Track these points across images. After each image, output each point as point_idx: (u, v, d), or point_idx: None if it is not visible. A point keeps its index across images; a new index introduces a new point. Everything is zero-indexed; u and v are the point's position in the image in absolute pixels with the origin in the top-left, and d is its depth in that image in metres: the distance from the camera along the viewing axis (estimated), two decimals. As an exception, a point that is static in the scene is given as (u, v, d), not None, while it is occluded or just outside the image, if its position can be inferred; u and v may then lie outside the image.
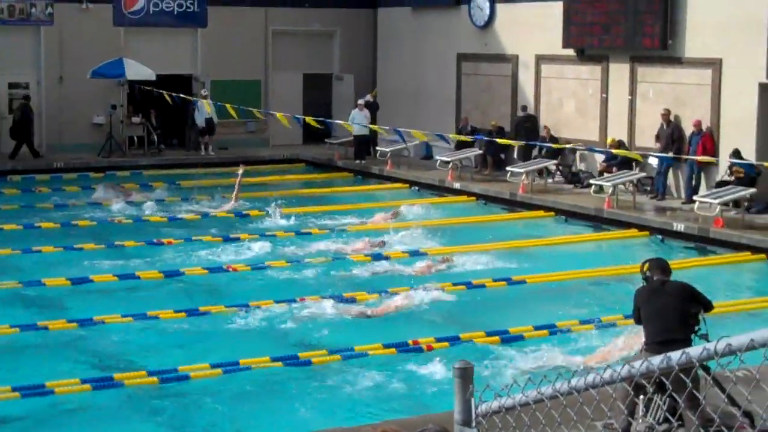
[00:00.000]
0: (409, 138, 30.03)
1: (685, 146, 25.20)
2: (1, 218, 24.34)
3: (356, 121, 31.65)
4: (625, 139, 27.18)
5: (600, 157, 27.13)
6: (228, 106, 29.43)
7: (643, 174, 25.84)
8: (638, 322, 10.32)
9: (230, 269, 19.72)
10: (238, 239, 22.38)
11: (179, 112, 33.21)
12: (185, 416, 12.66)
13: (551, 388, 4.59)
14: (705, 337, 9.71)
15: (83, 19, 34.05)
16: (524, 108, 30.34)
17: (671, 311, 9.92)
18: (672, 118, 25.64)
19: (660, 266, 10.40)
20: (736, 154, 23.61)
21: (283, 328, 16.21)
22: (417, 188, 29.87)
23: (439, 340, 15.10)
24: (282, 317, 16.60)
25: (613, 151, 25.90)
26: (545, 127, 29.15)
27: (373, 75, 37.41)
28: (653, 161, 25.71)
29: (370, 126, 31.55)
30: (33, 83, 33.90)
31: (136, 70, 33.20)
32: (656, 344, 9.70)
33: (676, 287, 10.28)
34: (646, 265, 10.50)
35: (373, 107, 33.91)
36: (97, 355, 14.89)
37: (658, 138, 25.84)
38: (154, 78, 33.16)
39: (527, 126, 29.87)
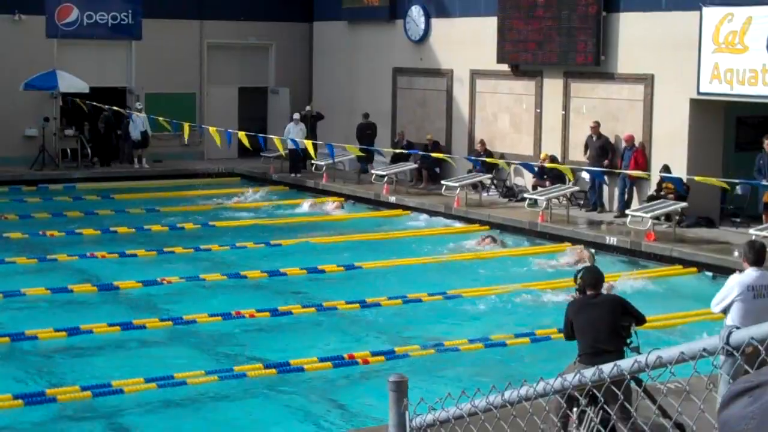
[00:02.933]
0: (344, 152, 30.04)
1: (617, 160, 25.49)
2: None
3: (291, 135, 31.59)
4: (558, 153, 27.42)
5: (529, 175, 27.34)
6: (161, 119, 29.23)
7: (577, 188, 26.09)
8: (569, 334, 10.40)
9: (164, 282, 19.60)
10: (172, 253, 22.26)
11: (112, 125, 32.96)
12: (119, 430, 12.55)
13: (485, 401, 4.63)
14: (636, 350, 9.83)
15: (15, 30, 33.69)
16: (366, 116, 32.14)
17: (603, 324, 10.03)
18: (602, 131, 25.93)
19: (593, 278, 10.51)
20: (666, 169, 23.93)
21: (219, 341, 16.17)
22: (353, 202, 29.88)
23: (374, 354, 15.12)
24: (217, 330, 16.56)
25: (547, 164, 26.12)
26: (480, 141, 29.32)
27: (309, 88, 37.41)
28: (585, 175, 26.00)
29: (304, 141, 31.52)
30: (-36, 95, 33.47)
31: (70, 83, 32.88)
32: (588, 356, 9.81)
33: (608, 300, 10.42)
34: (580, 275, 10.60)
35: (317, 118, 33.93)
36: (29, 370, 14.72)
37: (587, 148, 26.14)
38: (87, 90, 32.87)
39: (369, 133, 31.97)
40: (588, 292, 10.39)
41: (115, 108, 31.01)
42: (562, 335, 15.49)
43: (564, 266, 21.05)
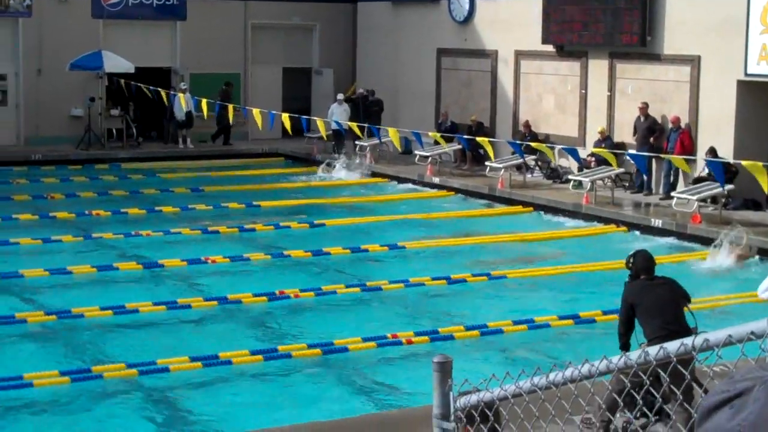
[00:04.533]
0: (386, 134, 30.05)
1: (663, 141, 25.29)
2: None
3: (335, 116, 31.62)
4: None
5: (584, 151, 27.09)
6: (203, 101, 29.33)
7: (622, 170, 25.91)
8: (627, 319, 10.23)
9: (209, 261, 19.71)
10: (216, 232, 22.39)
11: (158, 105, 33.13)
12: (165, 409, 12.65)
13: (529, 382, 4.62)
14: (695, 331, 9.75)
15: (62, 11, 33.90)
16: (372, 92, 33.30)
17: (670, 305, 9.97)
18: (649, 112, 25.74)
19: (647, 261, 10.43)
20: (712, 152, 23.70)
21: (263, 321, 16.26)
22: (396, 183, 29.88)
23: (418, 334, 15.14)
24: (262, 310, 16.65)
25: (593, 149, 25.96)
26: (525, 122, 29.22)
27: (352, 69, 37.40)
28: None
29: (348, 123, 31.53)
30: (11, 75, 33.75)
31: (115, 63, 33.07)
32: (661, 338, 9.69)
33: (667, 281, 10.35)
34: (632, 258, 10.51)
35: (368, 98, 33.83)
36: (75, 347, 14.87)
37: (635, 130, 25.98)
38: (132, 71, 33.05)
39: (375, 110, 32.71)
40: (641, 277, 10.31)
41: (159, 89, 31.04)
42: (606, 317, 15.57)
43: (723, 269, 19.86)
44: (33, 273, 18.41)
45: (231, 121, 31.79)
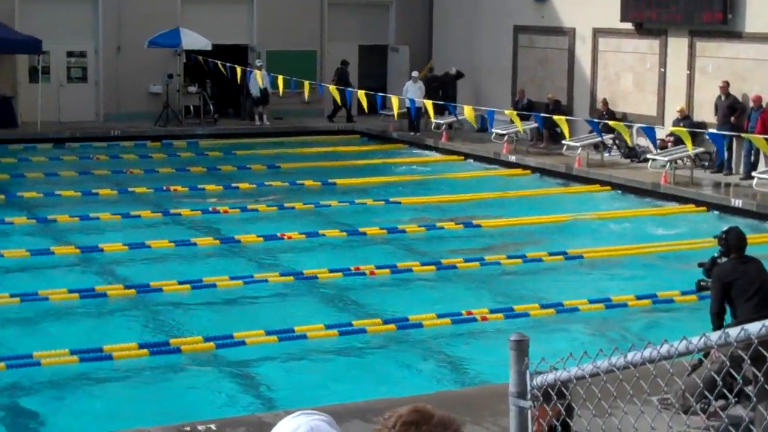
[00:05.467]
0: (462, 111, 29.94)
1: (744, 121, 24.90)
2: (60, 185, 24.59)
3: (409, 94, 31.58)
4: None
5: (662, 130, 26.75)
6: (280, 78, 29.44)
7: (702, 149, 25.57)
8: (721, 297, 10.05)
9: (285, 237, 19.84)
10: (292, 208, 22.51)
11: (234, 82, 33.31)
12: (241, 382, 12.77)
13: (607, 362, 4.59)
14: None
15: (141, -12, 34.20)
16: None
17: (762, 285, 9.85)
18: (730, 91, 25.35)
19: (740, 240, 10.28)
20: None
21: (339, 296, 16.34)
22: (472, 161, 29.79)
23: (493, 311, 15.11)
24: (337, 286, 16.74)
25: (672, 129, 25.64)
26: (603, 100, 28.95)
27: (428, 46, 37.28)
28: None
29: (423, 100, 31.47)
30: (90, 52, 34.17)
31: (193, 40, 33.33)
32: (756, 320, 9.59)
33: (755, 261, 10.24)
34: (726, 234, 10.35)
35: (457, 77, 33.61)
36: (153, 321, 15.08)
37: (716, 109, 25.61)
38: (210, 48, 33.28)
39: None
40: (732, 255, 10.18)
41: (235, 66, 31.21)
42: (684, 298, 15.43)
43: None
44: (113, 247, 18.68)
45: (306, 98, 31.81)
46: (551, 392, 4.80)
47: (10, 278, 16.87)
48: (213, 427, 9.72)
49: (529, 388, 5.04)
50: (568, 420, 5.26)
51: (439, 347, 14.06)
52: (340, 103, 29.40)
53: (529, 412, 4.69)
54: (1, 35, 31.04)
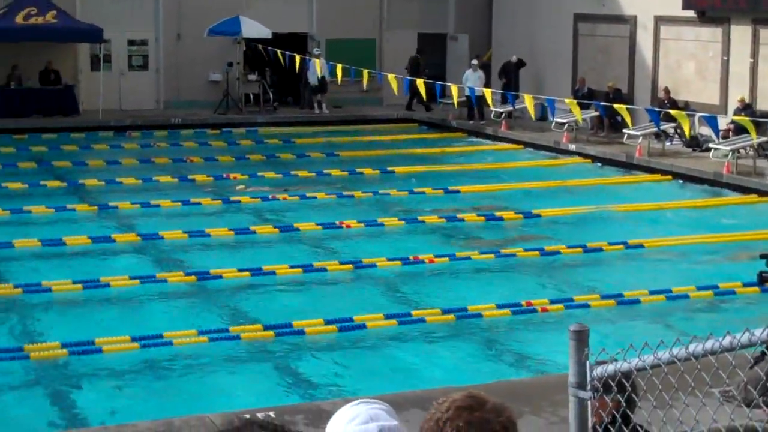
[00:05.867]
0: (522, 100, 29.78)
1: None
2: (121, 173, 24.82)
3: (469, 82, 31.46)
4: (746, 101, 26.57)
5: (724, 119, 26.45)
6: (339, 66, 29.48)
7: (765, 138, 25.23)
8: None
9: (344, 225, 19.87)
10: (351, 197, 22.54)
11: (293, 70, 33.40)
12: (300, 370, 12.81)
13: (668, 354, 4.54)
14: None
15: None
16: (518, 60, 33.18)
17: None
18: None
19: None
20: None
21: (397, 285, 16.34)
22: (532, 150, 29.64)
23: (553, 302, 15.03)
24: (396, 275, 16.73)
25: (734, 118, 25.32)
26: (664, 89, 28.65)
27: (488, 35, 37.12)
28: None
29: (482, 89, 31.32)
30: (151, 40, 34.45)
31: (252, 29, 33.48)
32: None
33: None
34: None
35: (519, 65, 33.42)
36: (213, 308, 15.17)
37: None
38: (270, 36, 33.39)
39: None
40: None
41: (294, 54, 31.28)
42: (746, 290, 15.26)
43: None
44: (173, 235, 18.81)
45: (365, 87, 31.80)
46: (611, 383, 4.75)
47: (73, 265, 17.06)
48: (272, 414, 9.76)
49: (588, 378, 5.00)
50: (628, 412, 5.20)
51: (498, 337, 14.01)
52: (397, 92, 29.31)
53: (589, 403, 4.65)
54: (64, 24, 31.38)
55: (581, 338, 5.03)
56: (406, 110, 34.60)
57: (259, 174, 24.90)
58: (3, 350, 12.62)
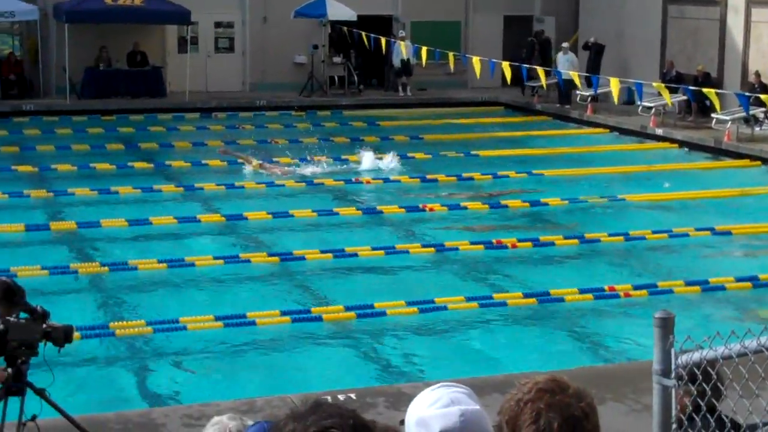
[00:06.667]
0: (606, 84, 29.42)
1: None
2: (207, 154, 25.02)
3: (559, 65, 31.18)
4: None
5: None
6: (424, 49, 29.39)
7: None
8: None
9: (427, 209, 19.84)
10: (435, 181, 22.49)
11: (378, 53, 33.40)
12: (381, 352, 12.82)
13: (756, 342, 4.44)
14: None
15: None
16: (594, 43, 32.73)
17: None
18: None
19: None
20: None
21: (480, 269, 16.28)
22: (618, 134, 29.32)
23: (636, 287, 14.85)
24: (478, 258, 16.68)
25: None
26: (755, 72, 28.13)
27: (575, 17, 36.74)
28: None
29: (570, 72, 31.00)
30: (238, 22, 34.66)
31: (338, 11, 33.51)
32: None
33: None
34: None
35: (599, 48, 33.05)
36: (296, 289, 15.24)
37: None
38: (355, 18, 33.41)
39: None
40: None
41: (379, 36, 31.28)
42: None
43: None
44: (257, 216, 18.94)
45: (451, 70, 31.64)
46: (697, 371, 4.67)
47: (158, 245, 17.28)
48: (353, 396, 9.79)
49: (673, 366, 4.92)
50: (713, 401, 5.12)
51: (580, 322, 13.89)
52: (479, 76, 29.09)
53: (674, 391, 4.58)
54: (152, 6, 31.71)
55: (666, 325, 4.96)
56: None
57: (343, 156, 24.93)
58: (89, 327, 12.80)
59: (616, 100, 27.68)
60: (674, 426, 4.61)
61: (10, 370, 7.78)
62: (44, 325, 7.80)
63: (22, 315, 7.88)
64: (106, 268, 15.61)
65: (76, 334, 12.28)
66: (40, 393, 8.01)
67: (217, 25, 34.61)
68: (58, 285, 14.81)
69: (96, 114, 30.58)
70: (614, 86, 26.43)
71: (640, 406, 9.33)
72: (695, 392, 5.04)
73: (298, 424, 2.69)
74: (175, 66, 33.25)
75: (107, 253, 16.67)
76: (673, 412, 4.63)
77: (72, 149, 25.71)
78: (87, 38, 32.01)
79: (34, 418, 7.92)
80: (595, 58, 32.85)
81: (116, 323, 13.13)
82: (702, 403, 5.00)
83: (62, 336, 7.89)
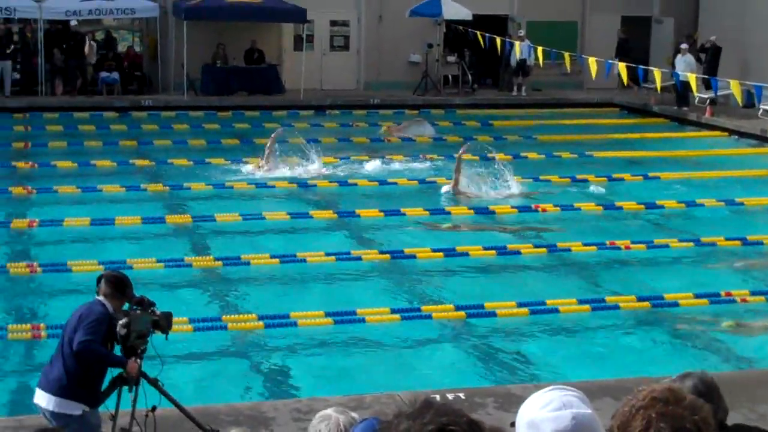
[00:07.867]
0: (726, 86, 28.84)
1: None
2: (323, 150, 25.09)
3: (678, 67, 30.67)
4: None
5: None
6: (539, 49, 29.16)
7: None
8: None
9: (539, 209, 19.71)
10: (548, 181, 22.31)
11: (493, 52, 33.22)
12: (490, 353, 12.74)
13: None
14: None
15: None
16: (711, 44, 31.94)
17: None
18: None
19: None
20: None
21: (592, 271, 16.08)
22: (737, 137, 28.74)
23: (754, 293, 14.52)
24: (592, 260, 16.48)
25: None
26: None
27: (695, 18, 36.10)
28: None
29: (687, 74, 30.46)
30: (353, 21, 34.83)
31: (453, 10, 33.46)
32: None
33: None
34: None
35: (716, 50, 32.47)
36: (406, 287, 15.24)
37: None
38: (470, 18, 33.31)
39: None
40: None
41: (495, 36, 31.15)
42: None
43: None
44: (369, 213, 19.01)
45: (567, 70, 31.36)
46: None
47: (271, 240, 17.43)
48: (462, 395, 9.75)
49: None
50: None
51: (694, 328, 13.63)
52: (594, 77, 28.74)
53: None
54: (270, 4, 32.05)
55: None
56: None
57: (455, 155, 24.80)
58: (203, 320, 12.97)
59: (739, 101, 27.15)
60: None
61: (139, 360, 7.92)
62: (152, 315, 7.94)
63: (125, 307, 8.03)
64: (220, 262, 15.81)
65: (188, 327, 12.53)
66: (154, 383, 8.12)
67: (333, 23, 34.83)
68: (173, 278, 15.04)
69: (212, 110, 31.01)
70: (735, 88, 25.91)
71: (754, 415, 9.09)
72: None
73: (413, 422, 2.67)
74: (290, 64, 33.54)
75: (221, 247, 16.87)
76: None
77: (188, 144, 26.13)
78: (205, 35, 32.47)
79: (154, 408, 8.03)
80: (711, 60, 32.24)
81: (228, 317, 13.28)
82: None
83: (166, 324, 8.02)
